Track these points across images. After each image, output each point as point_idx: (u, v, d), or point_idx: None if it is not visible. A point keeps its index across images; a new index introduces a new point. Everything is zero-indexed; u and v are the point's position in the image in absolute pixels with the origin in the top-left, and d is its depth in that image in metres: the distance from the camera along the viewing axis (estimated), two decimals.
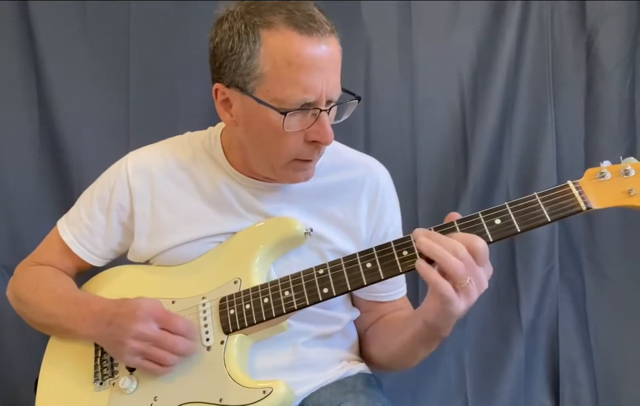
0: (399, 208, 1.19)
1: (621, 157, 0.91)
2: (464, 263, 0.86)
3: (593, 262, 1.71)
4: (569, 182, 0.90)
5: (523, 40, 1.70)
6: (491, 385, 1.71)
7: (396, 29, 1.71)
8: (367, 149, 1.65)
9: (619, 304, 1.69)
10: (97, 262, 1.16)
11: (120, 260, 1.18)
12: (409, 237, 0.93)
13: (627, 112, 1.69)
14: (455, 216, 0.92)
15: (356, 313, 1.17)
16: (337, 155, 1.14)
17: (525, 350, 1.70)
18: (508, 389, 1.71)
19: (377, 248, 0.95)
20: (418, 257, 0.90)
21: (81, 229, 1.13)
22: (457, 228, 0.91)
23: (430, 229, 0.91)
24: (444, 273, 0.87)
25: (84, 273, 1.18)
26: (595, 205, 0.89)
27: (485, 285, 0.89)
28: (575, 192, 0.89)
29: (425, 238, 0.88)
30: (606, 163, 0.91)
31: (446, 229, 0.91)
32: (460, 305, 0.87)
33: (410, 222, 1.45)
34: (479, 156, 1.71)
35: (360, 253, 0.96)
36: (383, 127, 1.71)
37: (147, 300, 1.00)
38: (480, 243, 0.87)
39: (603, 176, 0.90)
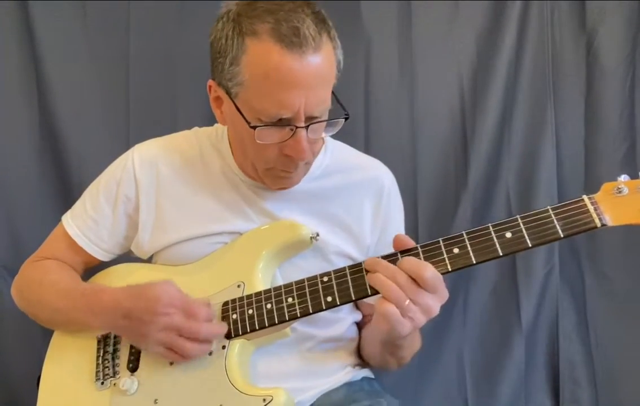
0: (404, 212, 1.18)
1: None
2: (400, 287, 0.87)
3: (593, 262, 1.70)
4: (584, 197, 0.86)
5: (523, 40, 1.69)
6: (491, 385, 1.71)
7: (396, 29, 1.70)
8: (367, 149, 1.64)
9: (619, 304, 1.69)
10: (103, 256, 1.15)
11: (125, 257, 1.18)
12: (417, 247, 0.93)
13: (627, 112, 1.68)
14: None
15: (358, 315, 1.17)
16: (343, 156, 1.13)
17: (525, 350, 1.70)
18: (508, 389, 1.70)
19: (383, 258, 0.94)
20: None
21: (86, 222, 1.13)
22: (420, 252, 0.92)
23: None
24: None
25: (91, 270, 1.17)
26: (610, 223, 0.84)
27: (434, 312, 0.89)
28: (591, 208, 0.85)
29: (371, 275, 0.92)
30: (624, 178, 0.86)
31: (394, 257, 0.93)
32: (405, 325, 0.88)
33: (410, 222, 1.45)
34: (479, 156, 1.70)
35: None
36: (383, 127, 1.71)
37: (163, 291, 0.97)
38: (428, 273, 0.87)
39: (620, 191, 0.85)
